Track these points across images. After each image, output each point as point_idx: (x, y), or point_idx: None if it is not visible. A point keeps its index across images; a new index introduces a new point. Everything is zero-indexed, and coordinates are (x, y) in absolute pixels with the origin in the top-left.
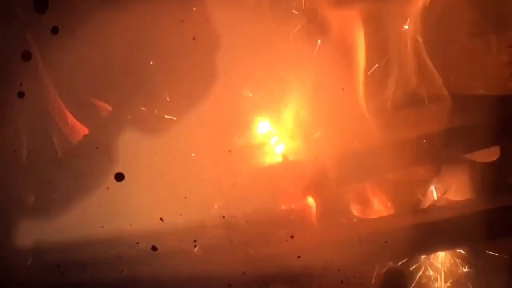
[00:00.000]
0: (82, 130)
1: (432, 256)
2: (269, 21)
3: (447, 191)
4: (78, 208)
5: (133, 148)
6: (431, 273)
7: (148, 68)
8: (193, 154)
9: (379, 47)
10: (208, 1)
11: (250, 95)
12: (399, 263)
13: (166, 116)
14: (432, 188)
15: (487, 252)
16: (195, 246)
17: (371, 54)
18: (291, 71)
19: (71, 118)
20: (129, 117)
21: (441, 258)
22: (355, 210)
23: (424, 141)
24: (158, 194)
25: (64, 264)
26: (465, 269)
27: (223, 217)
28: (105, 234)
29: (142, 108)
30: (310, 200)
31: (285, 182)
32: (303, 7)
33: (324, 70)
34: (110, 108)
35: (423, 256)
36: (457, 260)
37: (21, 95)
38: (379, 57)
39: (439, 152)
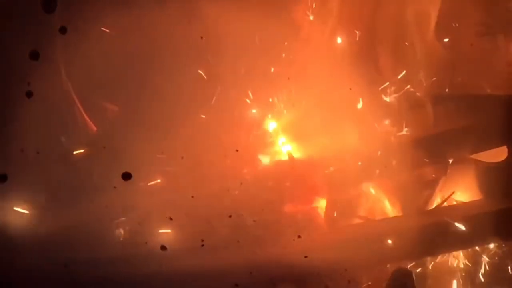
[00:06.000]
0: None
1: (439, 256)
2: (276, 21)
3: (455, 191)
4: (85, 208)
5: (140, 148)
6: (439, 273)
7: (155, 68)
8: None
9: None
10: (215, 1)
11: (257, 94)
12: (407, 264)
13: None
14: (440, 188)
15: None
16: (203, 245)
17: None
18: (298, 71)
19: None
20: (136, 116)
21: (449, 258)
22: (363, 211)
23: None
24: (165, 193)
25: (71, 263)
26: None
27: (230, 216)
28: (112, 234)
29: (149, 107)
30: (317, 200)
31: (292, 181)
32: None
33: (331, 70)
34: (117, 108)
35: (430, 257)
36: (464, 260)
37: (29, 94)
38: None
39: (446, 153)
